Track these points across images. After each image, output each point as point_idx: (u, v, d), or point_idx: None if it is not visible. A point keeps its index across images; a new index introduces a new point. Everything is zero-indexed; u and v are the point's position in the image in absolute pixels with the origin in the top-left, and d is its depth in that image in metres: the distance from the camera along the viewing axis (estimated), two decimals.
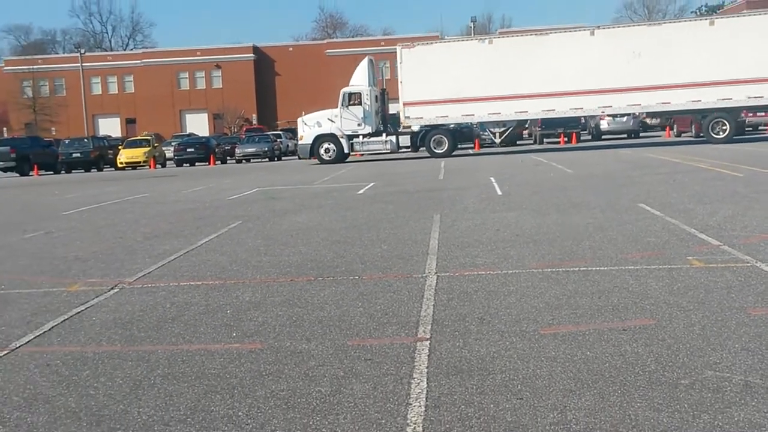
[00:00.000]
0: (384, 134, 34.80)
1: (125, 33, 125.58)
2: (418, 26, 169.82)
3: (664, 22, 35.92)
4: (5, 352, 5.88)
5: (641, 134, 46.61)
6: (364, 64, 35.34)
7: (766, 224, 9.77)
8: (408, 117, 34.16)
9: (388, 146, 34.74)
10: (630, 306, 6.18)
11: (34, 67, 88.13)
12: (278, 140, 51.42)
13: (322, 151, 34.88)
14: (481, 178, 19.99)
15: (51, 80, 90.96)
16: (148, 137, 51.03)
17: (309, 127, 35.32)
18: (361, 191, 18.23)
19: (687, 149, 28.64)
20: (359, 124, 34.38)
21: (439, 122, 34.27)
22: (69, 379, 5.15)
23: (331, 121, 34.84)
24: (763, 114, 42.96)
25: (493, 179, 19.23)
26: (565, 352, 5.10)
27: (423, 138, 34.97)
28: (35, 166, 44.30)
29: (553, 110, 33.38)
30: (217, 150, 47.30)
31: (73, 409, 4.58)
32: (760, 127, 42.94)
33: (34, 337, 6.26)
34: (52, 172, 45.61)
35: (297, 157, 41.04)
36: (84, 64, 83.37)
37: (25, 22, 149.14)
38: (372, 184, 20.21)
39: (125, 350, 5.77)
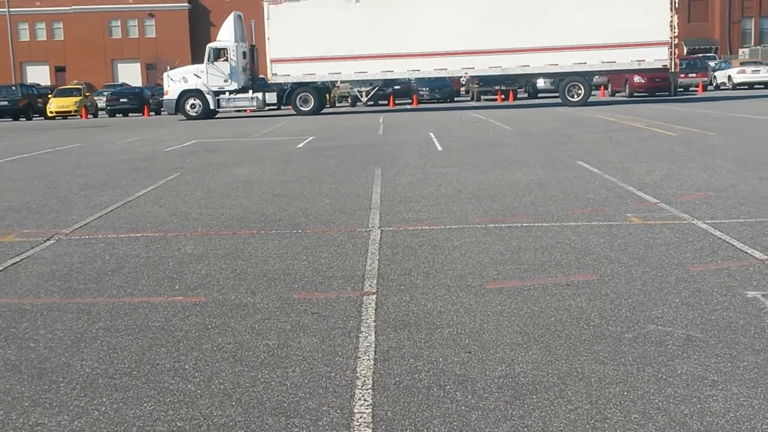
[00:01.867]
0: (251, 91, 34.63)
1: None
2: None
3: None
4: None
5: None
6: (230, 19, 34.97)
7: (700, 182, 9.99)
8: (275, 74, 34.15)
9: (254, 103, 34.58)
10: (573, 262, 6.27)
11: None
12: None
13: (188, 106, 34.51)
14: (421, 134, 20.00)
15: None
16: (79, 86, 49.71)
17: (175, 82, 34.98)
18: (300, 145, 18.09)
19: (621, 108, 29.06)
20: (225, 80, 34.13)
21: (307, 80, 34.36)
22: (7, 332, 5.02)
23: (197, 76, 34.53)
24: (694, 75, 43.91)
25: (432, 135, 19.25)
26: (511, 307, 5.15)
27: (289, 95, 34.91)
28: None
29: (418, 70, 34.07)
30: (151, 101, 46.30)
31: (13, 362, 4.47)
32: (690, 88, 43.84)
33: None
34: None
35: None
36: (11, 9, 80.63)
37: None
38: (311, 138, 20.06)
39: (65, 302, 5.64)
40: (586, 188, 9.88)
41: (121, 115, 45.08)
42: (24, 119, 44.37)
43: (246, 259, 6.77)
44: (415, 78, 40.01)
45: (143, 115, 43.89)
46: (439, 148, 15.98)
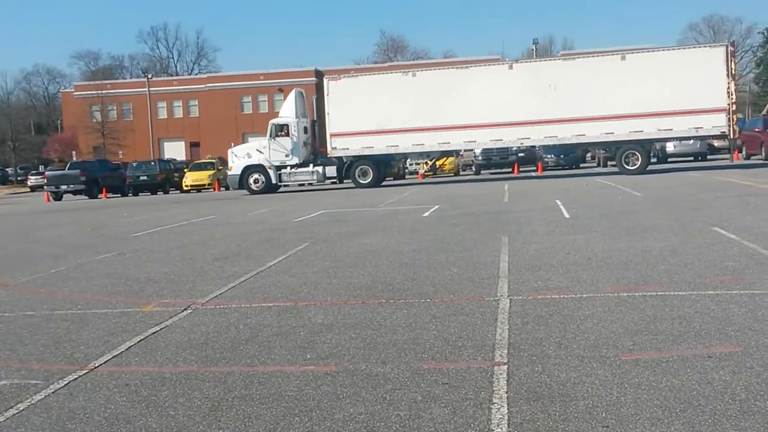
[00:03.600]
0: (311, 165, 35.40)
1: (191, 58, 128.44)
2: (479, 49, 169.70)
3: (579, 57, 36.15)
4: (85, 371, 5.96)
5: (708, 157, 45.74)
6: (292, 96, 36.06)
7: None
8: (335, 148, 34.83)
9: (315, 177, 35.31)
10: (713, 332, 6.01)
11: (103, 92, 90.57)
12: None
13: (251, 181, 35.61)
14: (547, 201, 19.78)
15: (119, 105, 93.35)
16: (213, 160, 51.75)
17: (238, 158, 36.26)
18: (426, 214, 18.19)
19: (757, 172, 27.98)
20: (287, 155, 35.11)
21: (365, 153, 34.77)
22: (148, 400, 5.19)
23: (260, 152, 35.67)
24: None
25: (559, 202, 19.01)
26: (650, 379, 4.97)
27: (348, 168, 35.39)
28: (104, 189, 45.25)
29: (474, 141, 34.19)
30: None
31: (154, 430, 4.60)
32: None
33: (112, 357, 6.34)
34: (120, 195, 46.55)
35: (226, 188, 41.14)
36: (150, 89, 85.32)
37: (94, 48, 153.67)
38: (437, 206, 20.15)
39: (202, 371, 5.80)
40: (724, 255, 9.50)
41: None
42: (161, 193, 46.51)
43: (375, 328, 6.81)
44: (480, 148, 40.71)
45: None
46: (567, 215, 15.75)
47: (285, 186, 36.35)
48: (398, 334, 6.54)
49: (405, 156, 38.58)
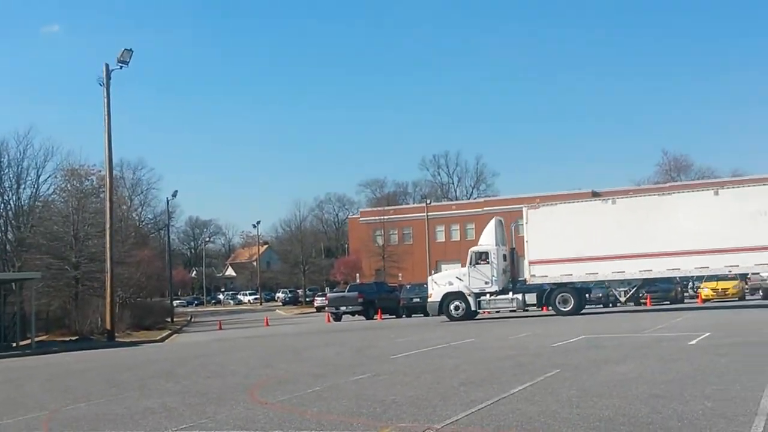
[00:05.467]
0: (511, 292, 34.99)
1: (470, 183, 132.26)
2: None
3: None
4: None
5: None
6: (491, 224, 36.40)
7: None
8: (533, 275, 34.35)
9: (515, 304, 35.05)
10: None
11: (385, 217, 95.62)
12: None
13: (451, 308, 35.67)
14: None
15: (400, 229, 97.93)
16: None
17: (439, 285, 36.70)
18: (693, 341, 17.09)
19: None
20: (486, 282, 35.07)
21: (564, 280, 33.97)
22: None
23: (460, 279, 35.90)
24: None
25: None
26: None
27: (549, 296, 34.68)
28: (379, 310, 47.10)
29: (678, 269, 32.77)
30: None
31: None
32: None
33: None
34: (394, 316, 48.13)
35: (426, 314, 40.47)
36: (429, 214, 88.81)
37: (380, 176, 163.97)
38: (708, 333, 18.88)
39: None
40: None
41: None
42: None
43: None
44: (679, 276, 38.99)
45: (542, 308, 44.68)
46: None
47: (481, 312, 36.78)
48: None
49: (604, 283, 37.49)
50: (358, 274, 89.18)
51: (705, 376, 11.34)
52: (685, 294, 44.12)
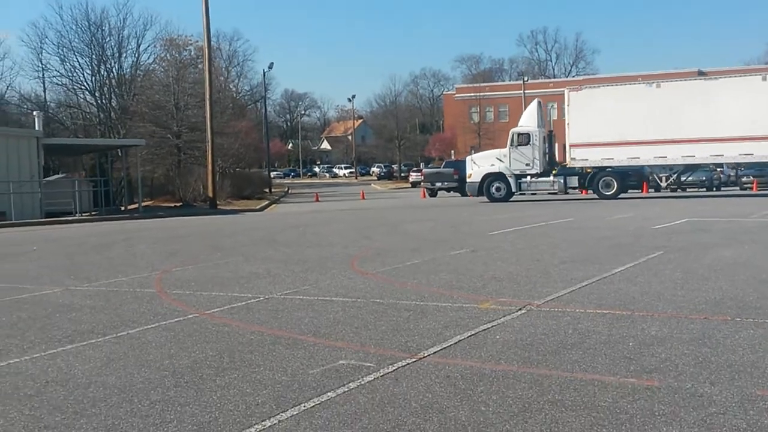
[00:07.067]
0: (551, 175, 34.57)
1: (568, 60, 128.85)
2: None
3: None
4: (413, 359, 6.28)
5: None
6: (533, 105, 35.59)
7: None
8: (574, 158, 33.87)
9: (556, 187, 34.75)
10: None
11: (481, 94, 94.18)
12: (718, 169, 48.81)
13: (493, 189, 35.47)
14: None
15: (495, 106, 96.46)
16: None
17: (478, 166, 36.23)
18: None
19: None
20: (527, 164, 34.71)
21: (604, 164, 33.44)
22: (464, 393, 5.33)
23: (500, 160, 35.52)
24: None
25: None
26: None
27: (591, 179, 34.14)
28: None
29: (722, 155, 31.86)
30: (650, 177, 46.07)
31: (463, 423, 4.73)
32: None
33: (441, 349, 6.60)
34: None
35: (466, 194, 39.85)
36: (526, 91, 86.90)
37: (476, 52, 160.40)
38: None
39: (521, 371, 5.83)
40: None
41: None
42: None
43: (712, 346, 6.36)
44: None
45: (642, 191, 43.90)
46: None
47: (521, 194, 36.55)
48: (736, 355, 6.05)
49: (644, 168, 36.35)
50: (453, 151, 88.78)
51: None
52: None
